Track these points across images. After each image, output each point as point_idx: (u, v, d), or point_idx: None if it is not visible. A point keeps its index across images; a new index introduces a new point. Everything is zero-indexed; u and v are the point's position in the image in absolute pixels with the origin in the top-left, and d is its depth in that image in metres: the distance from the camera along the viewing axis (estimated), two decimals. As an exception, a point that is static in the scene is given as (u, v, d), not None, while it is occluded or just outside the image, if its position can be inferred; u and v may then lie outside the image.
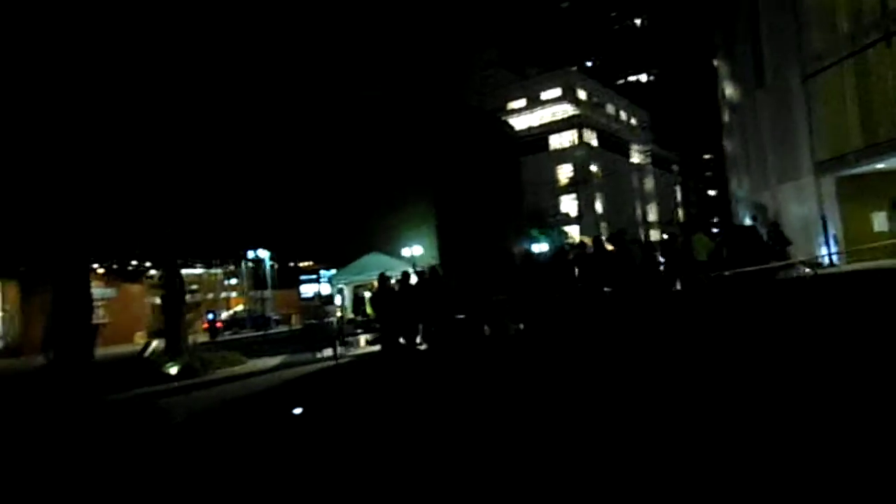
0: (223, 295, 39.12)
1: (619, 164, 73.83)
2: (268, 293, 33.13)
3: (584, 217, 65.21)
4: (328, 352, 14.42)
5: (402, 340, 13.20)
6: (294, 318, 37.40)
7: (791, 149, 19.16)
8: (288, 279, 38.60)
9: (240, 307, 38.28)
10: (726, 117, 27.09)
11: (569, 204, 67.65)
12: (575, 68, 78.49)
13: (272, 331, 29.25)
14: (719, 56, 27.46)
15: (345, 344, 15.08)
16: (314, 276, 16.48)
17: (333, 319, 15.19)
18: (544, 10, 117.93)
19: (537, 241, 51.87)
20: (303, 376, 11.26)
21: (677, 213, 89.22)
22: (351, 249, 32.04)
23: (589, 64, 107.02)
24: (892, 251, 15.09)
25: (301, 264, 40.76)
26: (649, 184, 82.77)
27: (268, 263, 32.28)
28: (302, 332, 17.28)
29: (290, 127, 34.15)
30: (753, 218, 20.30)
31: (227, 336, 31.74)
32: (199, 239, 31.36)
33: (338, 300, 15.55)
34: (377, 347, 15.04)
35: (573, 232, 63.62)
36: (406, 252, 35.15)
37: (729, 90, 25.88)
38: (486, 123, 52.91)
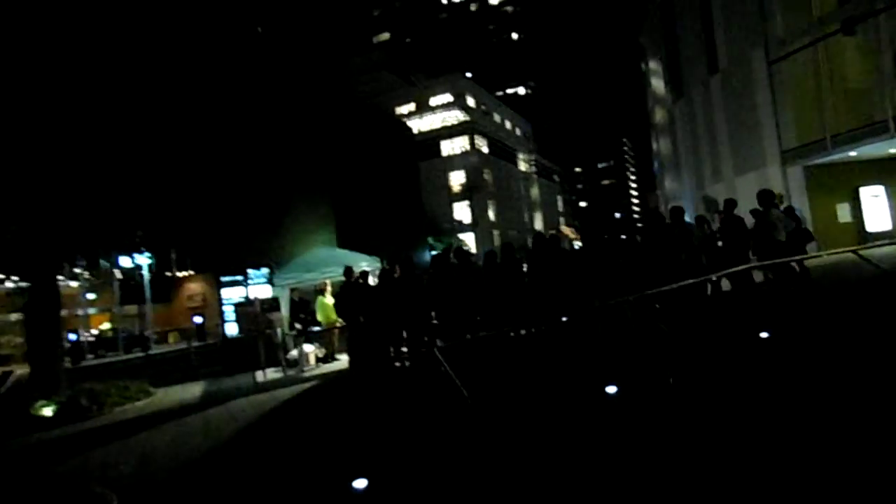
0: (80, 312, 32.56)
1: (509, 172, 74.08)
2: (146, 308, 27.65)
3: (479, 224, 64.07)
4: (262, 374, 10.81)
5: (376, 354, 10.03)
6: (173, 336, 31.96)
7: (753, 137, 18.33)
8: (163, 291, 32.97)
9: (105, 325, 32.01)
10: (657, 118, 26.45)
11: (462, 211, 66.20)
12: (464, 75, 77.73)
13: (153, 352, 24.11)
14: (648, 56, 26.88)
15: (287, 363, 11.49)
16: (239, 277, 12.64)
17: (279, 331, 11.56)
18: (424, 20, 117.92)
19: (434, 248, 49.83)
20: (265, 415, 7.70)
21: (560, 220, 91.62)
22: (240, 257, 27.82)
23: (469, 75, 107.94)
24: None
25: (180, 274, 35.17)
26: (535, 192, 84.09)
27: (146, 272, 26.93)
28: (220, 350, 13.31)
29: (171, 121, 29.31)
30: (706, 211, 19.28)
31: (92, 361, 25.93)
32: (55, 241, 25.49)
33: (283, 307, 11.91)
34: (334, 365, 11.64)
35: (468, 239, 62.33)
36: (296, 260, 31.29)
37: (661, 90, 25.21)
38: (384, 124, 50.08)
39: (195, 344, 20.49)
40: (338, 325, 12.09)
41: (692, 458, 3.67)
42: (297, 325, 11.96)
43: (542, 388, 5.95)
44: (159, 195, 29.92)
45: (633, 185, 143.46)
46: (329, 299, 12.25)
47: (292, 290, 13.12)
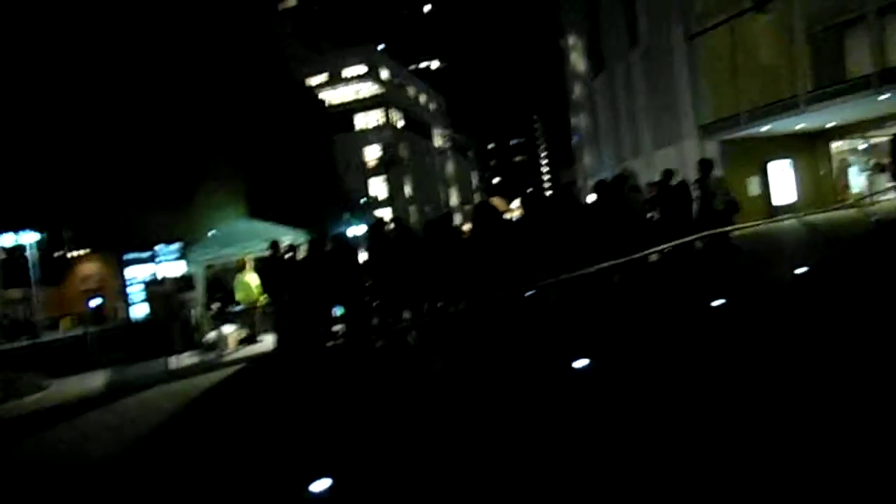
0: (-48, 297, 29.02)
1: (424, 147, 73.40)
2: (33, 290, 24.86)
3: (395, 200, 63.11)
4: (175, 360, 9.79)
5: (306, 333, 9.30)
6: (65, 322, 29.17)
7: (671, 112, 18.73)
8: (53, 273, 29.99)
9: (-17, 311, 28.68)
10: (576, 93, 26.67)
11: (378, 186, 64.89)
12: (378, 46, 75.69)
13: (43, 339, 21.80)
14: (567, 32, 26.96)
15: (202, 347, 10.47)
16: (147, 254, 11.32)
17: (194, 312, 10.46)
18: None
19: (350, 224, 48.65)
20: (187, 407, 6.82)
21: (473, 197, 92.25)
22: (144, 233, 25.90)
23: (381, 47, 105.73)
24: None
25: (73, 253, 32.12)
26: (449, 168, 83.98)
27: (33, 251, 24.17)
28: (124, 335, 11.97)
29: (65, 84, 26.51)
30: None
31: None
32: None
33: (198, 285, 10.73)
34: (257, 347, 10.74)
35: (385, 215, 61.41)
36: (210, 235, 29.52)
37: (580, 65, 25.38)
38: (296, 95, 47.84)
39: (92, 329, 18.62)
40: (259, 303, 11.19)
41: (666, 433, 3.33)
42: (214, 306, 10.92)
43: (504, 366, 5.51)
44: (49, 167, 27.04)
45: (545, 162, 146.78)
46: (250, 276, 11.29)
47: (207, 267, 11.99)
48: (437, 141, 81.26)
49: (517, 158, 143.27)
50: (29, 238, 23.50)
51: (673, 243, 8.11)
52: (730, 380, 4.06)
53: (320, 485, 3.48)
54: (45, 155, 26.91)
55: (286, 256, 9.51)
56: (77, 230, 29.84)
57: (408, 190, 66.50)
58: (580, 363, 4.97)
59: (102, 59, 27.90)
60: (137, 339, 11.55)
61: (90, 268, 31.19)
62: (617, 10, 20.79)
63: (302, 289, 8.97)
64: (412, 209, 66.70)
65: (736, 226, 10.63)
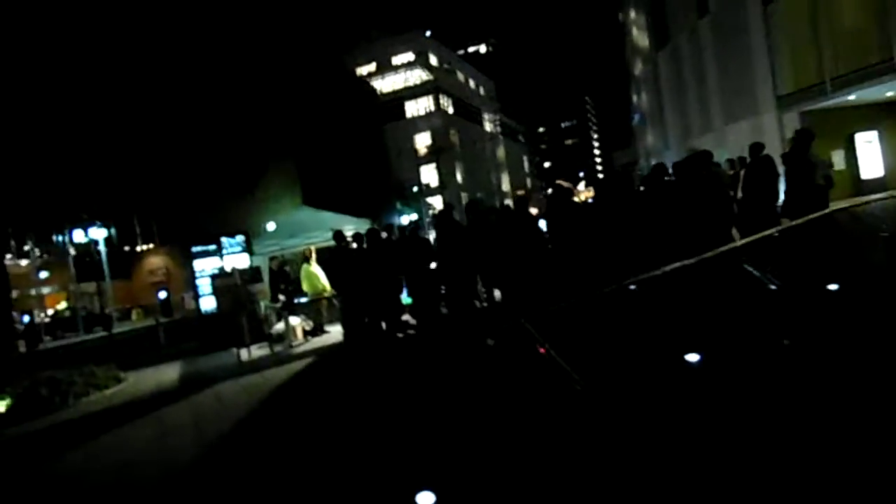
0: (34, 292, 30.58)
1: (474, 133, 72.62)
2: (105, 284, 25.81)
3: (447, 187, 62.68)
4: (246, 352, 9.74)
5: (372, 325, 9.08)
6: (136, 314, 30.32)
7: (745, 84, 17.60)
8: (122, 266, 31.14)
9: (62, 305, 30.09)
10: (637, 70, 25.56)
11: (429, 174, 64.49)
12: (426, 32, 75.07)
13: (117, 331, 22.60)
14: (629, 6, 25.80)
15: (270, 339, 10.40)
16: (212, 247, 11.33)
17: (262, 304, 10.43)
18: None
19: (402, 213, 48.56)
20: (264, 402, 6.67)
21: (526, 181, 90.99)
22: (206, 226, 26.38)
23: (428, 33, 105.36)
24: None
25: (141, 248, 33.27)
26: (500, 153, 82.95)
27: (103, 246, 25.03)
28: (196, 327, 12.10)
29: (129, 86, 27.31)
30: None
31: (50, 343, 24.26)
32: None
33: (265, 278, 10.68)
34: (324, 339, 10.61)
35: (436, 203, 61.04)
36: (271, 227, 30.01)
37: (642, 40, 24.26)
38: (349, 86, 48.02)
39: (162, 320, 19.13)
40: (325, 294, 11.05)
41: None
42: (281, 297, 10.83)
43: (615, 362, 5.04)
44: (117, 165, 27.94)
45: (597, 145, 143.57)
46: (315, 267, 11.15)
47: (271, 258, 11.94)
48: (488, 126, 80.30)
49: (568, 141, 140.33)
50: (98, 234, 24.35)
51: (788, 224, 7.44)
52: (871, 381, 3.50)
53: (425, 499, 3.15)
54: (114, 151, 27.78)
55: (353, 246, 9.29)
56: (144, 225, 30.87)
57: (459, 176, 65.90)
58: (693, 357, 4.47)
59: (167, 56, 28.55)
60: (207, 331, 11.61)
61: (157, 261, 32.26)
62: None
63: (367, 279, 8.73)
64: (464, 195, 66.18)
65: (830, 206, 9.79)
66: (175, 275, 29.65)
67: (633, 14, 26.29)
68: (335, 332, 10.94)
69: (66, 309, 29.70)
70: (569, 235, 8.00)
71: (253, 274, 9.98)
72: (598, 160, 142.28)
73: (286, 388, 7.01)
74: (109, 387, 9.22)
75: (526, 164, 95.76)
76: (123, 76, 27.38)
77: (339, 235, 9.36)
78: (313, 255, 11.10)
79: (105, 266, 25.46)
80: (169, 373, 9.88)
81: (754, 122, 17.44)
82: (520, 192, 33.35)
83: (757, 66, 17.13)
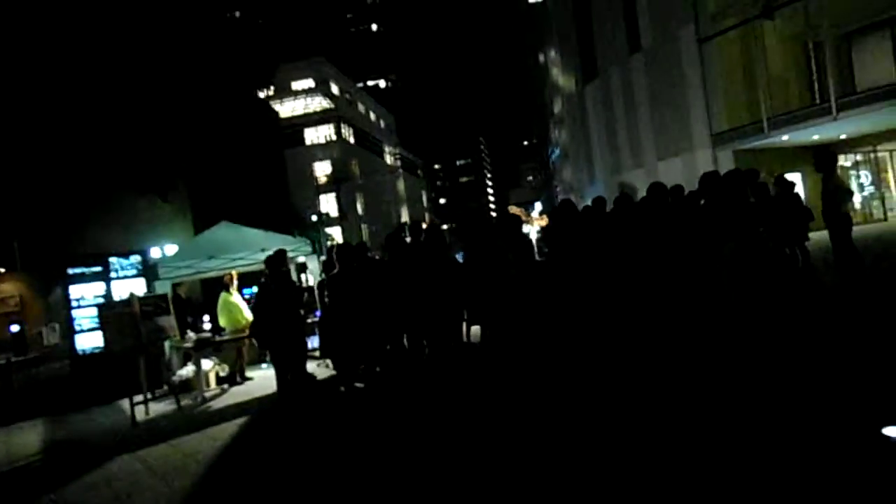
0: None
1: (375, 164, 71.28)
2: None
3: (347, 217, 60.42)
4: (143, 408, 7.29)
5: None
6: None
7: (680, 120, 17.54)
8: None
9: None
10: (557, 108, 25.39)
11: (328, 203, 61.89)
12: (327, 61, 73.23)
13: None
14: (553, 45, 25.72)
15: (173, 389, 7.98)
16: (97, 269, 8.67)
17: (167, 343, 7.98)
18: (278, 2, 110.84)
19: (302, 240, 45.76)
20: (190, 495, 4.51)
21: (425, 215, 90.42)
22: (79, 249, 22.72)
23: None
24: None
25: (-13, 272, 28.01)
26: (400, 186, 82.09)
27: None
28: (70, 373, 9.25)
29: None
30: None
31: None
32: None
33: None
34: (247, 388, 8.34)
35: (335, 234, 58.62)
36: (156, 253, 26.64)
37: (561, 79, 24.14)
38: (249, 108, 44.83)
39: (15, 359, 15.43)
40: (247, 331, 8.83)
41: None
42: (191, 334, 8.46)
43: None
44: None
45: (490, 183, 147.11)
46: (236, 297, 8.93)
47: (176, 285, 9.51)
48: (388, 158, 79.38)
49: (464, 179, 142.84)
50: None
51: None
52: None
53: None
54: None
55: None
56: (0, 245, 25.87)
57: (359, 207, 63.98)
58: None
59: (53, 56, 24.76)
60: (84, 377, 8.92)
61: (8, 288, 27.25)
62: (614, 14, 19.55)
63: (384, 299, 6.63)
64: (363, 227, 64.34)
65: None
66: (31, 305, 25.04)
67: (553, 53, 26.26)
68: (261, 380, 8.72)
69: None
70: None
71: (158, 304, 7.61)
72: (492, 198, 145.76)
73: (215, 471, 4.84)
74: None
75: (424, 199, 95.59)
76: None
77: (277, 257, 7.25)
78: (234, 282, 8.88)
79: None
80: (30, 439, 7.19)
81: (687, 159, 17.33)
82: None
83: (692, 102, 17.10)
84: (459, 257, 7.30)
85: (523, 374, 5.96)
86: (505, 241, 6.51)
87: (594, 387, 5.17)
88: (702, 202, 6.63)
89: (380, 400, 6.37)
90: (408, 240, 7.59)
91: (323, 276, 8.01)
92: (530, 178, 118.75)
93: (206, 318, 9.12)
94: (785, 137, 15.83)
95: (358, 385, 6.90)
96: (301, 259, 9.52)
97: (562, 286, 6.51)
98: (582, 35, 22.00)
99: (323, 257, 9.56)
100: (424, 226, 7.47)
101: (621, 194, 8.02)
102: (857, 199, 18.11)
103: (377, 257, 8.31)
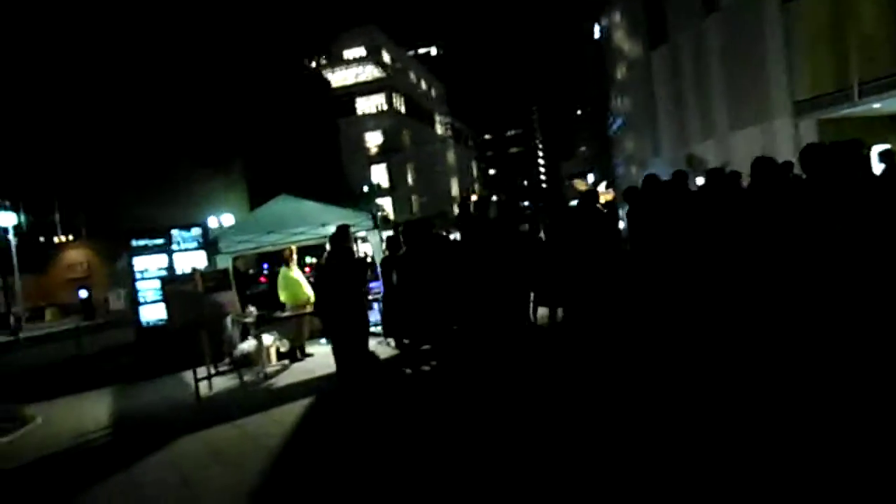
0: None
1: (426, 135, 70.62)
2: (15, 279, 21.86)
3: (398, 188, 60.20)
4: (206, 384, 7.20)
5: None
6: (50, 313, 26.54)
7: (757, 86, 16.30)
8: (34, 259, 27.12)
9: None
10: (619, 75, 24.22)
11: (379, 173, 61.73)
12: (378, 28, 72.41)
13: (24, 335, 19.06)
14: (616, 7, 24.43)
15: (235, 363, 7.90)
16: (159, 241, 8.64)
17: (230, 318, 7.88)
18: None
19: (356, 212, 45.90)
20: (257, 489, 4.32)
21: (475, 187, 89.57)
22: (140, 220, 23.40)
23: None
24: None
25: (58, 239, 29.24)
26: (450, 157, 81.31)
27: (12, 234, 21.17)
28: (135, 345, 9.36)
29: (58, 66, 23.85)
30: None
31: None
32: None
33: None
34: (308, 365, 8.19)
35: (386, 205, 58.62)
36: (213, 223, 27.09)
37: (627, 45, 22.91)
38: (301, 78, 44.88)
39: (83, 323, 16.00)
40: (308, 307, 8.65)
41: None
42: (252, 308, 8.34)
43: None
44: (36, 147, 24.23)
45: (542, 154, 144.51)
46: (296, 272, 8.73)
47: (236, 258, 9.40)
48: (439, 129, 78.54)
49: (514, 150, 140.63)
50: (7, 220, 20.59)
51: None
52: None
53: None
54: (33, 135, 24.09)
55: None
56: (67, 215, 26.82)
57: (410, 178, 63.61)
58: None
59: (108, 43, 25.28)
60: (148, 347, 8.97)
61: (78, 255, 28.35)
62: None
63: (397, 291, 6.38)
64: (414, 198, 64.12)
65: None
66: (98, 272, 26.01)
67: (617, 17, 24.96)
68: (321, 356, 8.56)
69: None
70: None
71: (220, 278, 7.48)
72: (543, 170, 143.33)
73: (284, 459, 4.63)
74: (17, 427, 6.57)
75: (474, 170, 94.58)
76: (60, 50, 23.95)
77: (341, 232, 6.93)
78: (293, 257, 8.67)
79: (14, 257, 21.62)
80: (97, 411, 7.22)
81: (766, 129, 16.15)
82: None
83: (771, 68, 15.85)
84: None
85: (598, 366, 5.52)
86: (594, 227, 5.96)
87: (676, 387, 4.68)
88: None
89: (447, 384, 6.06)
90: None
91: (387, 252, 7.69)
92: (583, 148, 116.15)
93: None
94: (877, 105, 14.49)
95: (424, 368, 6.61)
96: (361, 233, 9.24)
97: (660, 282, 5.88)
98: (650, -4, 20.75)
99: (388, 232, 9.24)
100: (494, 199, 7.06)
101: (713, 170, 7.23)
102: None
103: (444, 234, 7.93)
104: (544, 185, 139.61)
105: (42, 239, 28.33)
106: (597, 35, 30.82)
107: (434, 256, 6.10)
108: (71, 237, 29.75)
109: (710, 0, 17.50)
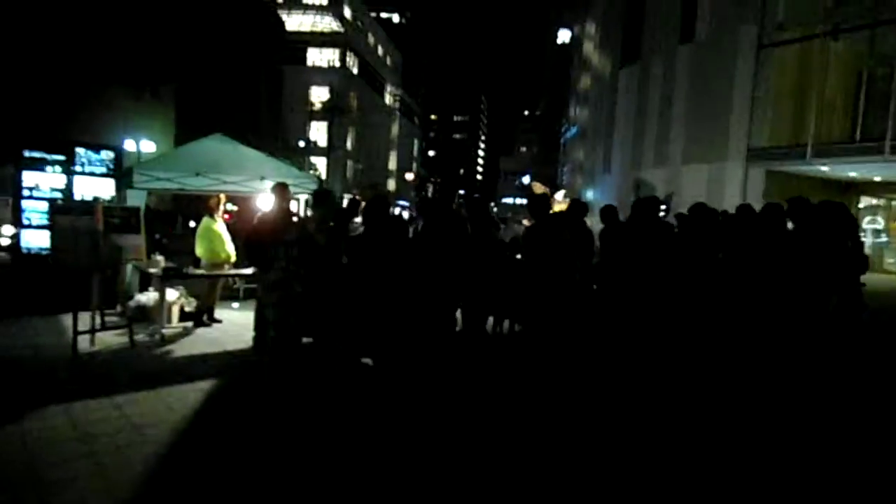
0: None
1: (373, 102, 68.65)
2: None
3: (334, 149, 58.02)
4: (89, 338, 6.07)
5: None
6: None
7: (718, 125, 16.43)
8: None
9: None
10: (582, 85, 24.02)
11: (318, 133, 59.31)
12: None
13: None
14: (594, 18, 24.09)
15: (128, 316, 6.78)
16: (59, 157, 7.24)
17: (129, 267, 6.63)
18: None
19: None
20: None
21: (413, 166, 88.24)
22: (50, 123, 21.13)
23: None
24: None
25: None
26: (394, 130, 79.60)
27: None
28: (9, 269, 7.90)
29: None
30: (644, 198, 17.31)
31: None
32: None
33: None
34: (216, 332, 7.16)
35: (319, 164, 56.51)
36: (130, 146, 24.81)
37: (596, 57, 22.69)
38: (256, 14, 41.70)
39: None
40: (227, 266, 7.62)
41: None
42: (159, 258, 7.19)
43: None
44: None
45: (483, 146, 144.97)
46: (220, 225, 7.63)
47: (149, 194, 8.13)
48: (388, 99, 76.60)
49: (457, 136, 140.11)
50: None
51: None
52: None
53: None
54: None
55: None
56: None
57: (349, 142, 61.58)
58: None
59: None
60: (21, 278, 7.61)
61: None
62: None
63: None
64: (349, 163, 62.24)
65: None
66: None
67: (592, 28, 24.68)
68: (230, 325, 7.54)
69: None
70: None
71: (126, 217, 6.28)
72: (482, 160, 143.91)
73: (168, 463, 3.72)
74: None
75: (416, 148, 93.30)
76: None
77: (323, 195, 5.91)
78: (220, 207, 7.56)
79: None
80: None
81: (717, 169, 16.32)
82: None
83: (734, 110, 15.99)
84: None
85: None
86: (571, 238, 5.31)
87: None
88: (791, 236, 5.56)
89: (384, 386, 5.28)
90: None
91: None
92: (524, 148, 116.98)
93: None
94: (825, 168, 14.93)
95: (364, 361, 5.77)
96: (303, 197, 8.20)
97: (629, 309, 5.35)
98: (630, 12, 20.51)
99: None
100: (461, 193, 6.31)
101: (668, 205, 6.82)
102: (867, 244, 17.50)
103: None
104: (479, 177, 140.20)
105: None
106: (564, 40, 30.58)
107: (398, 243, 5.21)
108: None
109: (688, 29, 17.44)
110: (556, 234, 4.92)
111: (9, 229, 9.60)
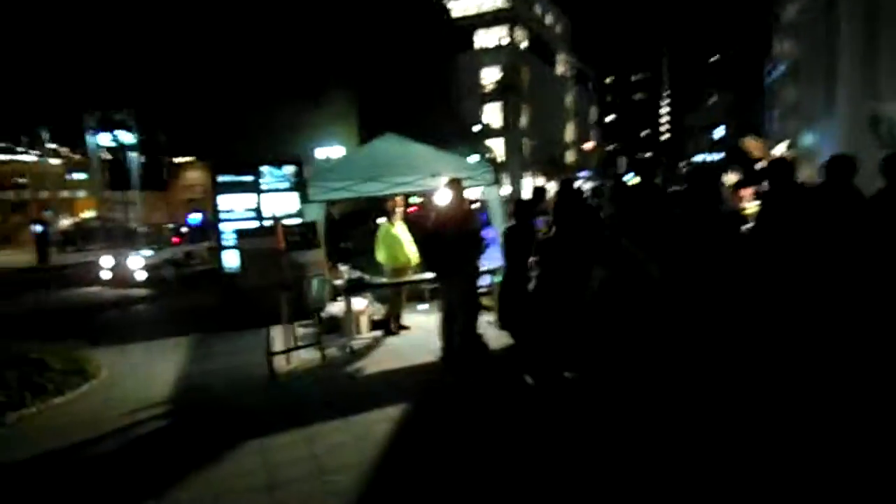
0: (65, 194, 27.77)
1: (546, 74, 66.63)
2: (134, 194, 22.44)
3: (509, 130, 57.32)
4: (284, 359, 6.04)
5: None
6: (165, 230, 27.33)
7: None
8: (157, 177, 27.88)
9: (89, 212, 27.15)
10: (789, 13, 20.30)
11: (492, 113, 58.98)
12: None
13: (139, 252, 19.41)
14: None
15: (317, 325, 6.70)
16: (248, 178, 7.50)
17: (314, 282, 6.63)
18: None
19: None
20: None
21: (590, 135, 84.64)
22: (244, 146, 22.67)
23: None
24: None
25: (178, 159, 29.95)
26: (568, 100, 76.73)
27: (132, 151, 21.53)
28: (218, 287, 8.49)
29: None
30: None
31: (71, 253, 21.42)
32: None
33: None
34: (407, 342, 6.86)
35: (496, 146, 56.17)
36: (320, 153, 26.27)
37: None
38: (422, 7, 42.60)
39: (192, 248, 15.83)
40: (410, 272, 7.26)
41: None
42: (343, 268, 7.06)
43: None
44: (150, 66, 24.28)
45: (667, 103, 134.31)
46: (399, 228, 7.29)
47: (330, 204, 8.09)
48: (559, 68, 73.81)
49: (637, 96, 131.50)
50: (127, 137, 20.87)
51: None
52: None
53: None
54: (147, 55, 24.11)
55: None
56: (173, 136, 27.06)
57: (524, 120, 60.45)
58: None
59: None
60: (231, 297, 8.02)
61: (195, 175, 28.82)
62: None
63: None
64: (525, 141, 61.13)
65: None
66: (209, 197, 26.23)
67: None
68: (419, 330, 7.20)
69: (93, 218, 26.73)
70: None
71: (305, 235, 6.18)
72: (666, 120, 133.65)
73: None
74: (80, 384, 5.78)
75: (593, 115, 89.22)
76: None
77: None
78: (398, 211, 7.21)
79: (134, 174, 21.97)
80: (166, 374, 6.25)
81: None
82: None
83: None
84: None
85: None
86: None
87: None
88: None
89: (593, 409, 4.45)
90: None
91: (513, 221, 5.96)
92: (714, 99, 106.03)
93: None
94: None
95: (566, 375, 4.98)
96: (479, 189, 7.56)
97: None
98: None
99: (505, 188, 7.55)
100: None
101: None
102: None
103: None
104: (663, 138, 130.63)
105: (168, 159, 29.00)
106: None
107: (595, 245, 4.27)
108: (190, 158, 30.32)
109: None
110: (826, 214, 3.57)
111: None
